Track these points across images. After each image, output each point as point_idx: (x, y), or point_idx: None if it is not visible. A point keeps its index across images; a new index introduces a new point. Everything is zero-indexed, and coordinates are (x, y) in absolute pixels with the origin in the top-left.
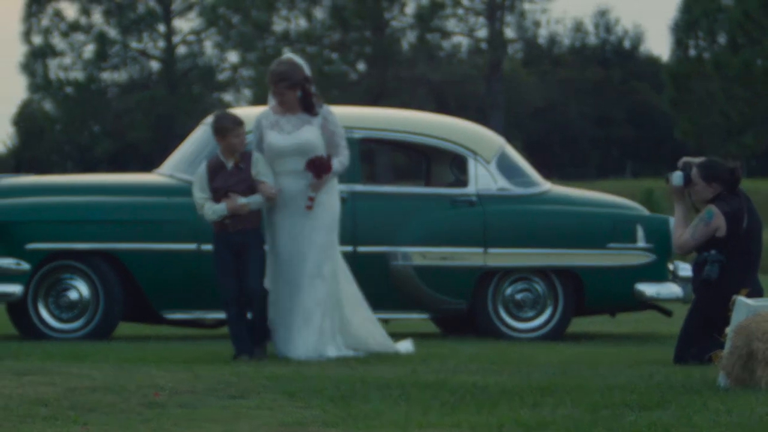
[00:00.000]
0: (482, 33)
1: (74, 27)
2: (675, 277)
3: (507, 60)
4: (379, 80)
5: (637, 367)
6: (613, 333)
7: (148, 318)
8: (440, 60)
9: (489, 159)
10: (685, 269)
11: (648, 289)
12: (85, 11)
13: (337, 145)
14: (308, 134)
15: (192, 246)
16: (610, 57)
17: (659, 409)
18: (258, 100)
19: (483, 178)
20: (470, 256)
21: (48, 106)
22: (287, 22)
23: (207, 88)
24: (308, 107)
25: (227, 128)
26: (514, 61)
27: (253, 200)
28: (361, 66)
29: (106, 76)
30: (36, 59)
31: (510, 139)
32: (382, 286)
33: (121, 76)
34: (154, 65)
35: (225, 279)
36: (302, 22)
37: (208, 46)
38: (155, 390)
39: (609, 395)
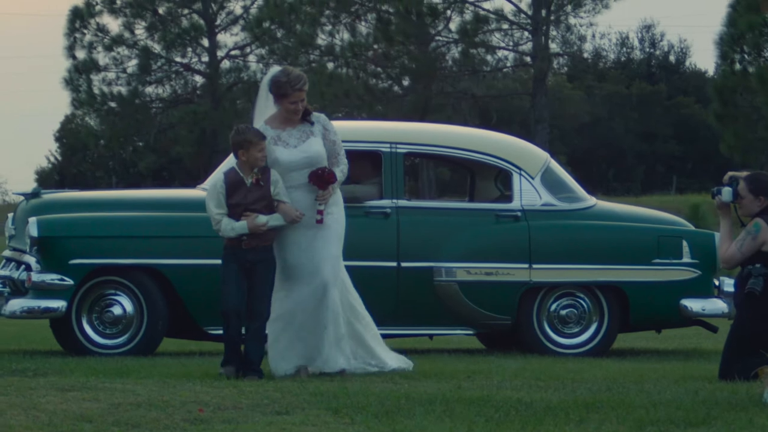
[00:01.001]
0: (527, 47)
1: (118, 41)
2: (720, 293)
3: (552, 74)
4: (423, 95)
5: (682, 383)
6: (658, 349)
7: (192, 334)
8: (485, 74)
9: (534, 174)
10: (730, 285)
11: (693, 304)
12: (129, 26)
13: (337, 154)
14: (316, 146)
15: None
16: (655, 71)
17: (705, 425)
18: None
19: (527, 193)
20: (515, 271)
21: (91, 121)
22: (331, 36)
23: (251, 103)
24: (306, 113)
25: (251, 142)
26: (559, 76)
27: (274, 220)
28: (406, 81)
29: (150, 90)
30: (79, 74)
31: (555, 154)
32: (425, 301)
33: (164, 90)
34: (198, 80)
35: (228, 289)
36: (346, 37)
37: (252, 61)
38: (199, 406)
39: (654, 411)
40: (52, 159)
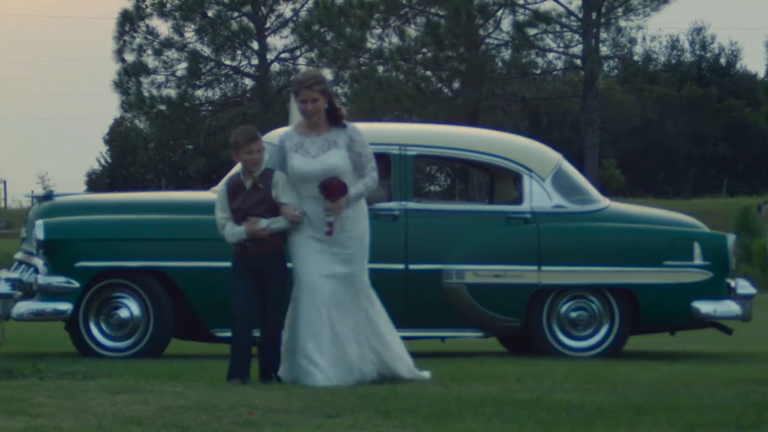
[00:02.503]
0: (577, 50)
1: (167, 44)
2: (734, 295)
3: (602, 77)
4: (473, 97)
5: (732, 386)
6: (708, 352)
7: (200, 336)
8: (535, 77)
9: (544, 176)
10: (744, 287)
11: (705, 306)
12: (178, 29)
13: (364, 166)
14: (335, 158)
15: None
16: (706, 74)
17: (755, 428)
18: (352, 117)
19: (538, 195)
20: (524, 274)
21: (141, 124)
22: (381, 39)
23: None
24: (336, 118)
25: (238, 144)
26: (610, 79)
27: (275, 223)
28: (456, 83)
29: (200, 93)
30: (129, 77)
31: (605, 157)
32: (434, 304)
33: (214, 93)
34: (248, 82)
35: (237, 296)
36: (396, 40)
37: (302, 64)
38: (249, 409)
39: (705, 414)
40: (102, 162)
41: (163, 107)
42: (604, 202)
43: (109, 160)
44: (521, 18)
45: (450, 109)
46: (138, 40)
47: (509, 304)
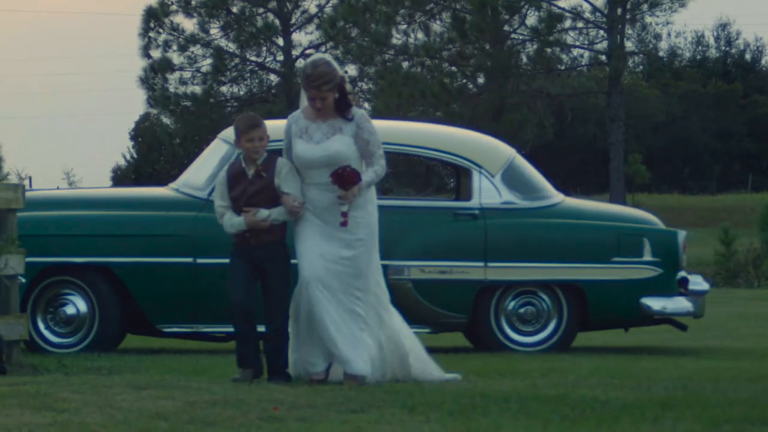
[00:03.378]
0: (603, 46)
1: (192, 41)
2: (687, 292)
3: (627, 73)
4: (498, 93)
5: (758, 382)
6: (734, 348)
7: (150, 332)
8: (560, 73)
9: (494, 172)
10: (696, 283)
11: (654, 303)
12: (203, 25)
13: (372, 154)
14: (339, 144)
15: (188, 260)
16: (731, 70)
17: None
18: (377, 113)
19: (487, 191)
20: (470, 270)
21: (166, 119)
22: (406, 35)
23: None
24: (343, 108)
25: (239, 130)
26: (635, 75)
27: (276, 213)
28: (481, 79)
29: (225, 89)
30: (155, 73)
31: (630, 153)
32: None
33: (239, 89)
34: (273, 78)
35: (234, 284)
36: (421, 36)
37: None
38: (274, 404)
39: (730, 410)
40: (127, 157)
41: (188, 103)
42: (556, 198)
43: (135, 156)
44: (545, 15)
45: (475, 105)
46: (163, 37)
47: (455, 300)
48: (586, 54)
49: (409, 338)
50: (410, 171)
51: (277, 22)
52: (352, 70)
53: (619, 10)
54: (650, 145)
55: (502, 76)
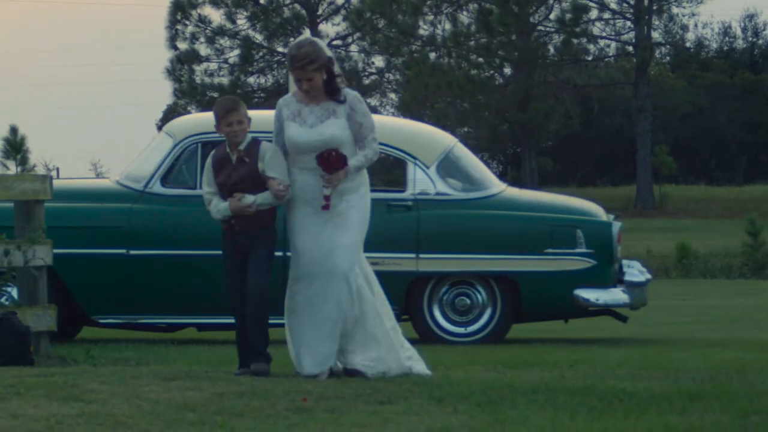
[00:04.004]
0: (629, 36)
1: (219, 32)
2: (623, 283)
3: (654, 64)
4: (524, 84)
5: None
6: (761, 339)
7: (88, 323)
8: (587, 64)
9: (429, 163)
10: (633, 274)
11: (588, 294)
12: (231, 16)
13: (364, 137)
14: (333, 128)
15: (121, 251)
16: (758, 60)
17: None
18: (404, 105)
19: (421, 182)
20: (402, 261)
21: (193, 111)
22: (433, 26)
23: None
24: (332, 91)
25: (218, 114)
26: (662, 65)
27: (261, 198)
28: (507, 70)
29: (252, 80)
30: (181, 65)
31: (657, 144)
32: None
33: (266, 80)
34: None
35: (230, 283)
36: (448, 26)
37: (354, 51)
38: (303, 395)
39: (758, 401)
40: None
41: (215, 94)
42: (495, 189)
43: None
44: (571, 6)
45: (501, 96)
46: (190, 28)
47: (387, 291)
48: (613, 45)
49: (387, 325)
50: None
51: (304, 12)
52: (378, 61)
53: (646, 1)
54: (677, 136)
55: (529, 67)
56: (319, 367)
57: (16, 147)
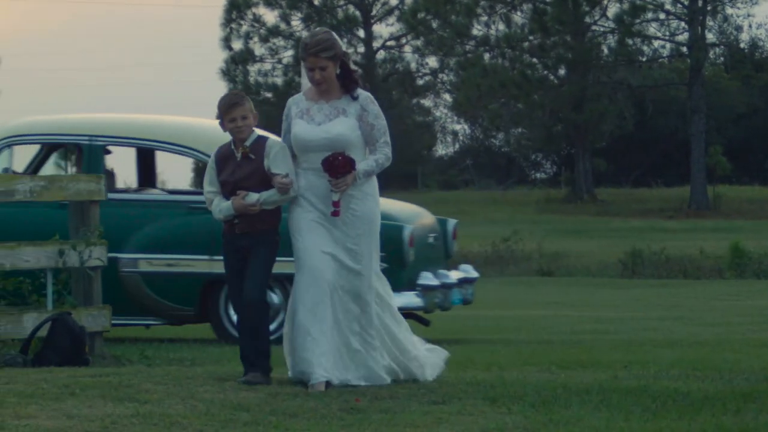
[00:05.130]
0: (684, 37)
1: (274, 32)
2: (417, 286)
3: (708, 65)
4: (579, 85)
5: None
6: None
7: None
8: (641, 64)
9: None
10: (426, 278)
11: None
12: (285, 17)
13: (376, 140)
14: (341, 127)
15: None
16: None
17: None
18: (458, 105)
19: None
20: (196, 263)
21: None
22: (487, 27)
23: (406, 93)
24: (349, 84)
25: (221, 110)
26: (716, 66)
27: (266, 195)
28: (562, 70)
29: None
30: (236, 65)
31: (711, 144)
32: (113, 292)
33: None
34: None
35: (233, 289)
36: (502, 27)
37: (408, 51)
38: (356, 395)
39: None
40: None
41: (269, 95)
42: None
43: None
44: (626, 7)
45: (556, 96)
46: (245, 28)
47: (182, 293)
48: (668, 45)
49: (406, 335)
50: (492, 163)
51: (358, 13)
52: (432, 61)
53: (700, 2)
54: (731, 136)
55: (583, 68)
56: (334, 378)
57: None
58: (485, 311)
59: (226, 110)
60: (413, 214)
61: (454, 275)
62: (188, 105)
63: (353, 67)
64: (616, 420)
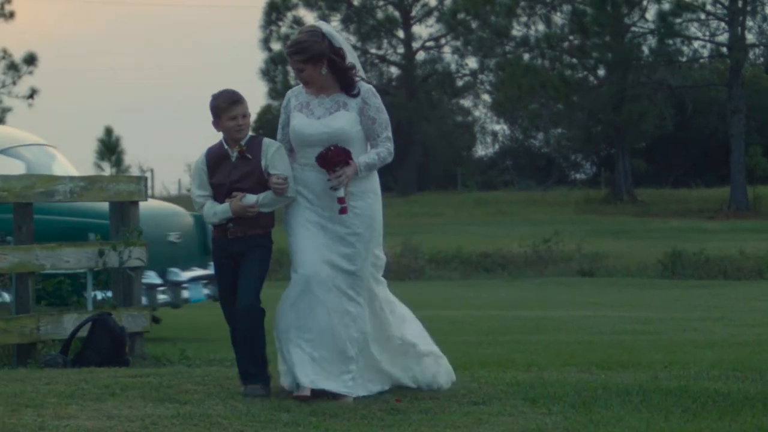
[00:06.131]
0: (723, 38)
1: None
2: (167, 283)
3: (748, 65)
4: (618, 85)
5: None
6: None
7: None
8: (681, 65)
9: None
10: (175, 274)
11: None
12: (325, 18)
13: (378, 134)
14: (342, 121)
15: None
16: None
17: None
18: (497, 106)
19: None
20: None
21: None
22: (527, 27)
23: (446, 94)
24: (346, 86)
25: (219, 109)
26: (756, 67)
27: (263, 197)
28: (601, 71)
29: None
30: (275, 66)
31: (750, 144)
32: None
33: None
34: (393, 71)
35: (225, 297)
36: (542, 27)
37: (447, 52)
38: (397, 396)
39: None
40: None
41: None
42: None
43: None
44: (666, 7)
45: (595, 97)
46: (284, 29)
47: None
48: (707, 46)
49: (417, 336)
50: (531, 164)
51: (397, 14)
52: (472, 62)
53: (740, 3)
54: None
55: (623, 68)
56: (302, 381)
57: (111, 148)
58: (525, 312)
59: (228, 108)
60: (148, 215)
61: (188, 274)
62: None
63: (349, 63)
64: (656, 421)
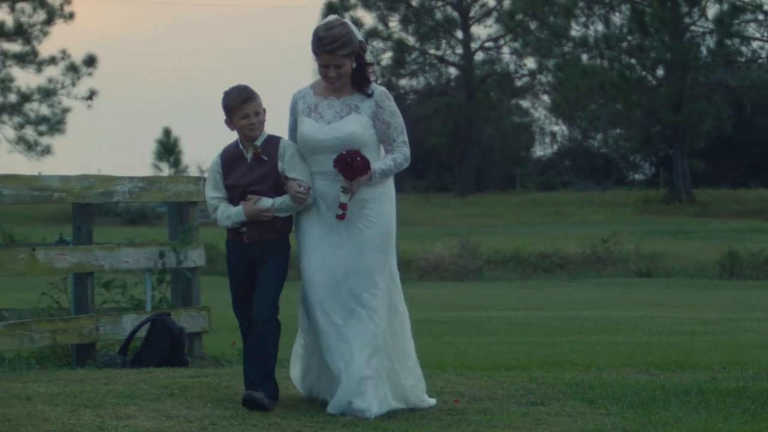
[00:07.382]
0: None
1: (372, 34)
2: None
3: None
4: (677, 85)
5: None
6: None
7: None
8: (739, 65)
9: None
10: None
11: None
12: (383, 18)
13: (393, 139)
14: (353, 125)
15: None
16: None
17: None
18: (556, 106)
19: None
20: None
21: None
22: (585, 27)
23: (504, 95)
24: (361, 81)
25: (230, 108)
26: None
27: (279, 202)
28: (660, 71)
29: (404, 82)
30: None
31: None
32: None
33: (418, 82)
34: (452, 72)
35: (237, 303)
36: (601, 27)
37: (506, 53)
38: (455, 396)
39: None
40: None
41: None
42: None
43: None
44: (726, 7)
45: (654, 96)
46: None
47: None
48: (766, 46)
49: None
50: (590, 164)
51: (456, 15)
52: (530, 63)
53: None
54: None
55: (682, 69)
56: (351, 406)
57: (169, 149)
58: (584, 312)
59: (240, 105)
60: None
61: None
62: (285, 105)
63: (369, 60)
64: (715, 421)
